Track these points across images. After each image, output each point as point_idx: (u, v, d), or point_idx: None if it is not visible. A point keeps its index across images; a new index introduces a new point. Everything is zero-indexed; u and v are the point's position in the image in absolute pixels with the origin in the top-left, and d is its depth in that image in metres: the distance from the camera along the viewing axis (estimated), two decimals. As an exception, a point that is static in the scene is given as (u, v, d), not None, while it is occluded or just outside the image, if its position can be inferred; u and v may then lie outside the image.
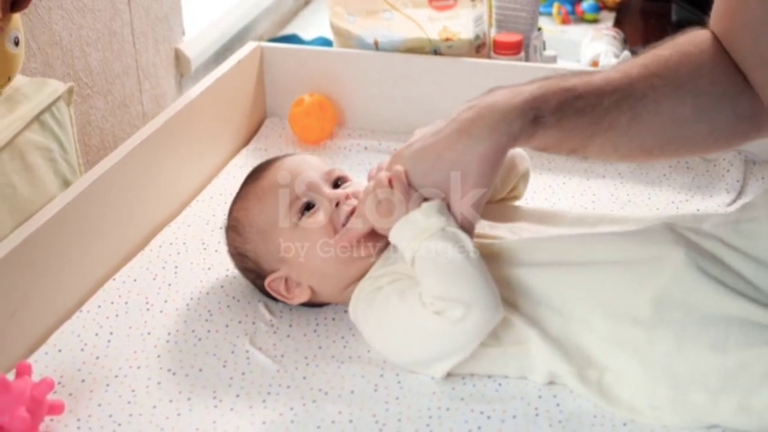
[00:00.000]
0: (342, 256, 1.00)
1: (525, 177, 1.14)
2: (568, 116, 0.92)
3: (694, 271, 0.91)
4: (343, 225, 1.01)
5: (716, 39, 1.00)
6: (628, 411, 0.90)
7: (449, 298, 0.89)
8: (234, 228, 1.07)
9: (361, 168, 1.40)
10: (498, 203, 1.14)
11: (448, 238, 0.91)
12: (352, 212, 1.01)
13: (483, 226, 1.04)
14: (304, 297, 1.04)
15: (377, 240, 0.99)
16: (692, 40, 0.99)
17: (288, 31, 2.28)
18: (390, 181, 0.95)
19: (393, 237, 0.95)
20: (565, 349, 0.92)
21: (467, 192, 0.92)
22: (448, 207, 0.94)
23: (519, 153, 1.12)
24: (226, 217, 1.11)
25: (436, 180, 0.94)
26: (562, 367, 0.91)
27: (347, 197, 1.03)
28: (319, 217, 1.02)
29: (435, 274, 0.91)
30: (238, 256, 1.08)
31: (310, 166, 1.07)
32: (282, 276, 1.04)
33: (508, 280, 0.95)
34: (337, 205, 1.03)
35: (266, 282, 1.05)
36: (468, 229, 0.94)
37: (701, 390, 0.86)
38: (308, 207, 1.03)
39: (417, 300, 0.92)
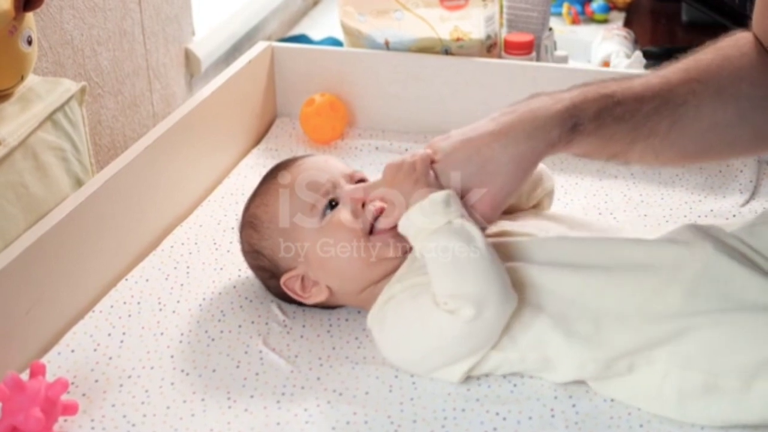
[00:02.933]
0: (364, 256, 1.00)
1: (550, 194, 1.15)
2: (607, 123, 0.93)
3: (726, 258, 0.91)
4: (370, 225, 1.00)
5: (758, 41, 0.99)
6: (653, 401, 0.89)
7: (460, 296, 0.88)
8: (251, 225, 1.07)
9: (372, 168, 1.40)
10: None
11: (454, 232, 0.90)
12: (379, 212, 1.00)
13: (512, 224, 1.03)
14: (321, 297, 1.03)
15: (398, 239, 0.98)
16: (734, 43, 0.99)
17: (297, 31, 2.27)
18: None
19: (402, 225, 0.94)
20: (593, 345, 0.90)
21: (492, 191, 0.93)
22: (466, 203, 0.94)
23: (545, 171, 1.13)
24: (240, 214, 1.10)
25: (467, 173, 0.94)
26: (589, 364, 0.90)
27: (372, 199, 1.01)
28: (344, 216, 1.01)
29: (444, 271, 0.90)
30: (253, 253, 1.07)
31: (330, 166, 1.07)
32: (298, 274, 1.03)
33: (539, 279, 0.94)
34: (363, 205, 1.02)
35: (282, 280, 1.04)
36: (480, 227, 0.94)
37: (735, 377, 0.86)
38: (332, 206, 1.02)
39: (430, 301, 0.91)
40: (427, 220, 0.91)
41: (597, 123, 0.92)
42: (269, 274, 1.06)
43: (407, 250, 0.99)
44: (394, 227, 0.96)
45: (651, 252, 0.96)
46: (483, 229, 0.94)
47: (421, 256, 0.93)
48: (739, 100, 0.95)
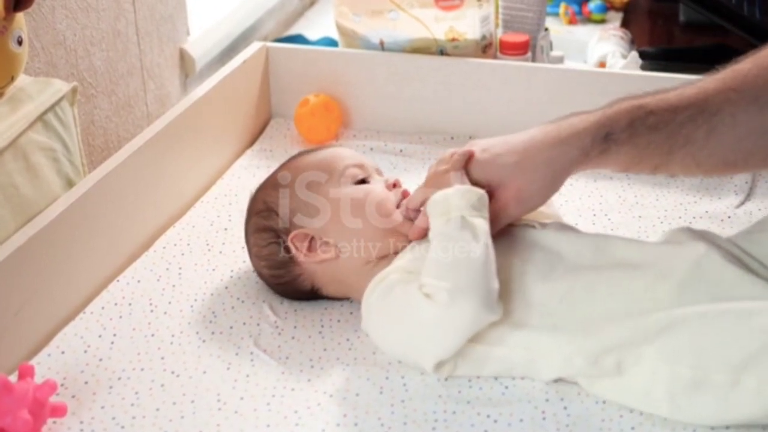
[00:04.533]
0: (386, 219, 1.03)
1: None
2: (641, 133, 0.94)
3: (718, 258, 0.93)
4: (397, 205, 1.04)
5: None
6: (644, 400, 0.89)
7: (442, 281, 0.90)
8: (274, 185, 1.08)
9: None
10: None
11: (465, 227, 0.92)
12: (403, 196, 1.05)
13: None
14: (327, 255, 1.04)
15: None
16: None
17: (293, 31, 2.26)
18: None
19: (428, 207, 0.97)
20: (580, 338, 0.91)
21: (519, 186, 0.96)
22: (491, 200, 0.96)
23: (558, 216, 1.15)
24: (261, 183, 1.11)
25: (501, 167, 0.97)
26: (576, 357, 0.91)
27: (398, 185, 1.08)
28: (377, 186, 1.06)
29: (439, 258, 0.92)
30: (266, 212, 1.07)
31: (362, 157, 1.12)
32: (309, 234, 1.04)
33: (531, 277, 0.95)
34: (394, 186, 1.07)
35: (291, 235, 1.04)
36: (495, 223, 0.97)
37: (723, 371, 0.85)
38: (360, 182, 1.07)
39: (416, 287, 0.92)
40: (445, 207, 0.94)
41: (630, 132, 0.94)
42: (272, 236, 1.07)
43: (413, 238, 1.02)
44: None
45: (643, 251, 0.97)
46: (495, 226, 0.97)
47: (432, 237, 0.95)
48: None
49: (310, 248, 1.04)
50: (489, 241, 0.93)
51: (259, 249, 1.08)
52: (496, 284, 0.91)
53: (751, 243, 0.97)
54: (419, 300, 0.91)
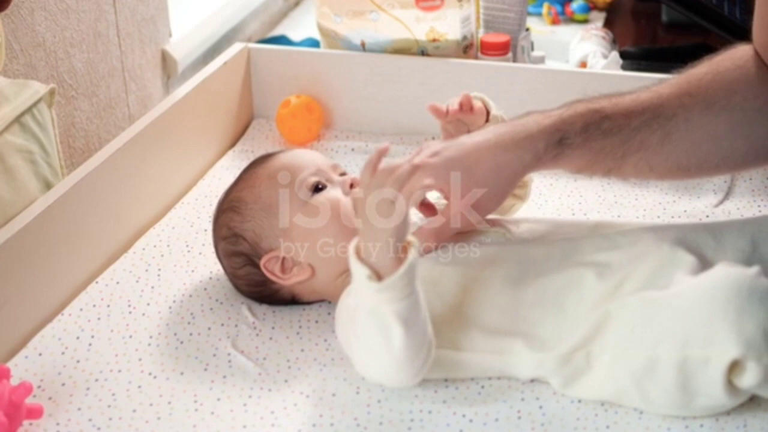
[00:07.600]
0: (348, 229, 1.00)
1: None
2: (595, 137, 0.95)
3: (682, 251, 0.93)
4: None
5: (756, 54, 0.98)
6: (614, 392, 0.89)
7: (370, 377, 0.93)
8: (233, 208, 1.06)
9: (348, 169, 1.39)
10: None
11: (379, 320, 0.86)
12: None
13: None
14: (303, 276, 1.03)
15: None
16: (730, 56, 0.99)
17: (277, 32, 2.26)
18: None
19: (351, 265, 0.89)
20: (553, 343, 0.91)
21: (477, 194, 0.95)
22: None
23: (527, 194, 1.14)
24: (220, 202, 1.10)
25: (446, 176, 0.95)
26: (547, 361, 0.91)
27: (356, 185, 1.05)
28: (334, 192, 1.04)
29: (360, 347, 0.90)
30: (232, 238, 1.06)
31: (316, 157, 1.10)
32: (279, 256, 1.03)
33: (501, 285, 0.95)
34: (351, 187, 1.05)
35: (262, 261, 1.04)
36: (465, 225, 0.97)
37: (671, 348, 0.85)
38: (318, 189, 1.04)
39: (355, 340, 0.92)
40: (360, 290, 0.87)
41: (584, 137, 0.94)
42: (245, 260, 1.06)
43: None
44: None
45: (610, 252, 0.96)
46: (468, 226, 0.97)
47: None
48: (732, 112, 0.96)
49: (283, 270, 1.04)
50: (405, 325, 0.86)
51: (234, 270, 1.08)
52: (424, 348, 0.88)
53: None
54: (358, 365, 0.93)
